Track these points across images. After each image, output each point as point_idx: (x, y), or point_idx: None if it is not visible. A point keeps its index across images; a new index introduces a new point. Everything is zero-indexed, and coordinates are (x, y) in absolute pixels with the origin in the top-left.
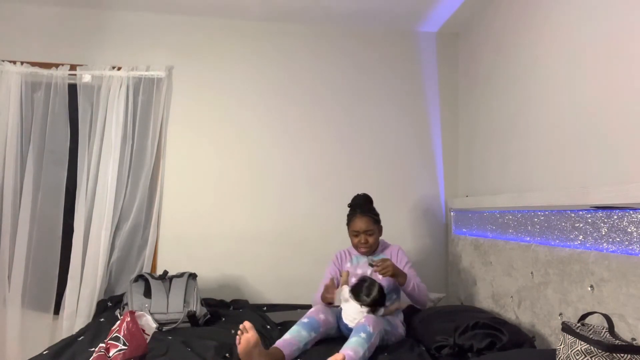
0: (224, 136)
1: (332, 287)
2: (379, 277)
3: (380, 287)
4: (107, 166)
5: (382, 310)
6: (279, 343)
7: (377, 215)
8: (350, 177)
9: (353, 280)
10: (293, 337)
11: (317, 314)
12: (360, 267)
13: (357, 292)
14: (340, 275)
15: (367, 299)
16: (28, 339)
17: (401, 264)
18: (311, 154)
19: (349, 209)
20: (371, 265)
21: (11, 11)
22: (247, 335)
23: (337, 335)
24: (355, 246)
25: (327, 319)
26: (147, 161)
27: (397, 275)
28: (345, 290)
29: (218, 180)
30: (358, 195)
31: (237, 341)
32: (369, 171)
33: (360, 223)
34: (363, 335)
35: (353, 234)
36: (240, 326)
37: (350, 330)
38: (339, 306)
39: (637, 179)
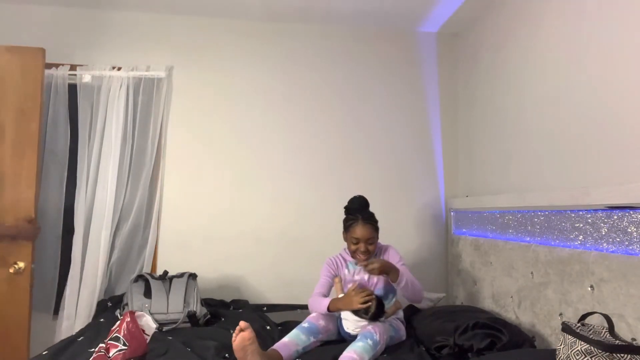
0: (224, 136)
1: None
2: (373, 281)
3: (378, 300)
4: (107, 166)
5: (383, 317)
6: (277, 345)
7: (377, 222)
8: (350, 177)
9: (349, 285)
10: (291, 340)
11: (317, 320)
12: (357, 273)
13: (355, 310)
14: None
15: (367, 317)
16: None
17: (393, 262)
18: (311, 153)
19: (345, 212)
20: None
21: (11, 11)
22: (243, 333)
23: (338, 340)
24: (353, 252)
25: (327, 327)
26: (147, 161)
27: (387, 271)
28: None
29: (218, 180)
30: (355, 198)
31: (233, 338)
32: (369, 171)
33: (363, 231)
34: (370, 342)
35: (353, 241)
36: (237, 327)
37: (351, 337)
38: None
39: (637, 179)
